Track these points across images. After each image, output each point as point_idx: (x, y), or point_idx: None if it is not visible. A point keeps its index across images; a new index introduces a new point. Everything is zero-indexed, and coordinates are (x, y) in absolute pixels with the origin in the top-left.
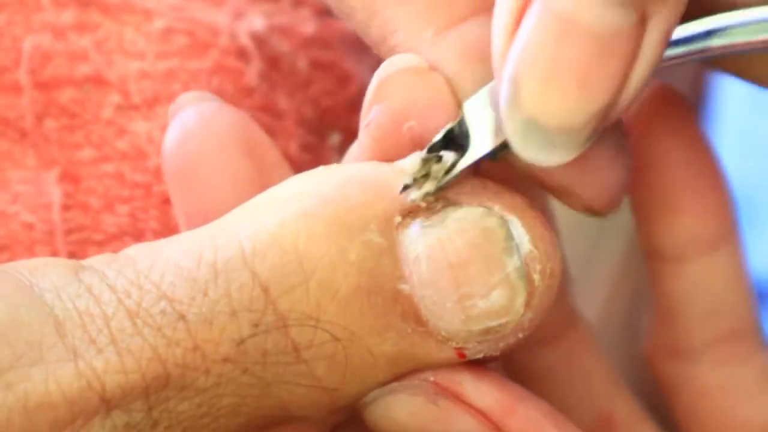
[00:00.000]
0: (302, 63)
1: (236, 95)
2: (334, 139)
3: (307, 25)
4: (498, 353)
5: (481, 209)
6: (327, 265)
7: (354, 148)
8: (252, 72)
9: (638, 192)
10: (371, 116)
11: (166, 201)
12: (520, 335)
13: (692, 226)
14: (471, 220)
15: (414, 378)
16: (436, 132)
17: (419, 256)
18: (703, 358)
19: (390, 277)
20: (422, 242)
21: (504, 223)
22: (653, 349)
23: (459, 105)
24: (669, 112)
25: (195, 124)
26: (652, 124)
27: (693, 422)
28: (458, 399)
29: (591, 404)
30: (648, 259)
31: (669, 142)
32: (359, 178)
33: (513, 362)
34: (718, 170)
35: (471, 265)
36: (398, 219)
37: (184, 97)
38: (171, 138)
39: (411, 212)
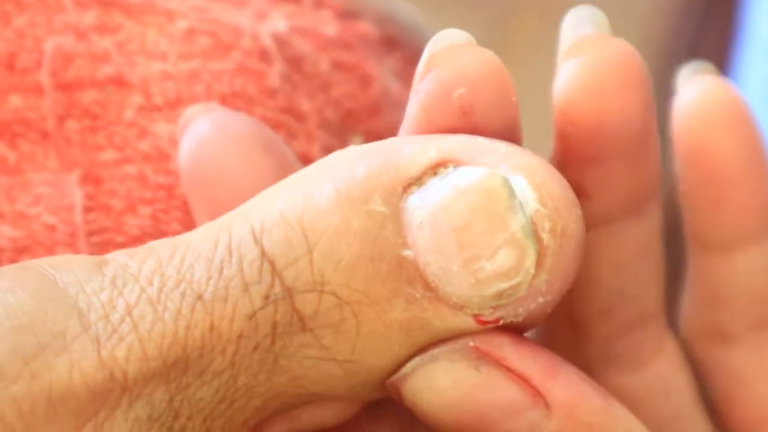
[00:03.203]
0: (324, 65)
1: (259, 96)
2: (356, 141)
3: (329, 26)
4: (520, 319)
5: (483, 170)
6: (330, 236)
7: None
8: (274, 73)
9: (687, 182)
10: (421, 86)
11: (188, 203)
12: (540, 299)
13: (740, 218)
14: (473, 182)
15: (454, 342)
16: (486, 101)
17: (423, 222)
18: (742, 343)
19: (393, 245)
20: (425, 207)
21: (506, 182)
22: (691, 333)
23: (508, 77)
24: (720, 104)
25: (211, 130)
26: (703, 115)
27: (730, 406)
28: (500, 364)
29: (676, 428)
30: (692, 248)
31: (720, 134)
32: (366, 154)
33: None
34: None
35: (474, 227)
36: (403, 186)
37: (191, 111)
38: (187, 148)
39: (416, 181)
